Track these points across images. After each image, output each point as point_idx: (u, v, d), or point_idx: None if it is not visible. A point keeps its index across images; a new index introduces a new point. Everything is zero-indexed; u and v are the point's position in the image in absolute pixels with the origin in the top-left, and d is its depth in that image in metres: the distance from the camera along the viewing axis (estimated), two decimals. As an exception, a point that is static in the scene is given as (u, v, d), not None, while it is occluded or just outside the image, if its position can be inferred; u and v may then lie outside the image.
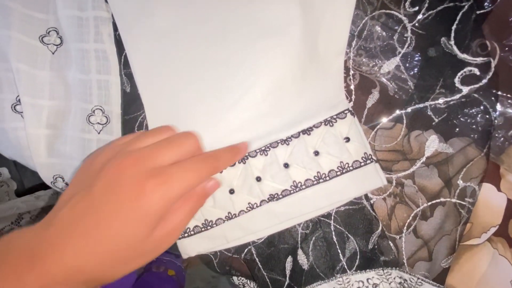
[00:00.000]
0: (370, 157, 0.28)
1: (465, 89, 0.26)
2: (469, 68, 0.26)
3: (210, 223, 0.29)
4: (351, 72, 0.31)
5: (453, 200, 0.28)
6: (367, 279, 0.27)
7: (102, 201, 0.21)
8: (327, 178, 0.28)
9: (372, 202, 0.31)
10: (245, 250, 0.31)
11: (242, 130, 0.30)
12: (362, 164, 0.28)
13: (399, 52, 0.29)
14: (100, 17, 0.30)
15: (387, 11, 0.29)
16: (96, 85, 0.30)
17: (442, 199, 0.28)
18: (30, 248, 0.20)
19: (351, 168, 0.28)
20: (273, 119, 0.30)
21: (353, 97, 0.31)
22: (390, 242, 0.30)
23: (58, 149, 0.31)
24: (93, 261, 0.20)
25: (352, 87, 0.31)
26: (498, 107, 0.26)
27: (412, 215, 0.30)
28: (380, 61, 0.30)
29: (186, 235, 0.29)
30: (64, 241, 0.20)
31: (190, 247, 0.29)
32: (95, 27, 0.30)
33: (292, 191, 0.29)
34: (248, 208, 0.29)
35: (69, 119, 0.31)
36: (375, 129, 0.30)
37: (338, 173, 0.28)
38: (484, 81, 0.26)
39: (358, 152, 0.28)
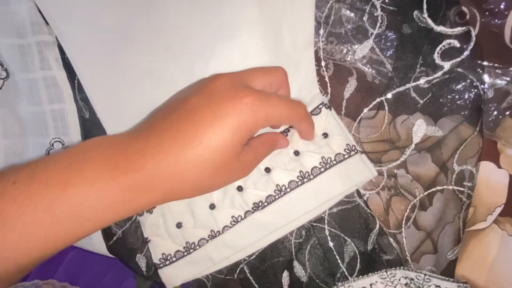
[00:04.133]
0: (353, 148, 0.26)
1: (447, 65, 0.23)
2: (448, 41, 0.24)
3: (193, 245, 0.27)
4: (323, 62, 0.28)
5: (451, 187, 0.25)
6: (371, 285, 0.25)
7: (199, 109, 0.21)
8: (311, 176, 0.26)
9: (365, 199, 0.28)
10: (238, 270, 0.28)
11: None
12: (346, 156, 0.26)
13: (372, 34, 0.27)
14: (43, 41, 0.28)
15: (352, -10, 0.27)
16: (50, 116, 0.28)
17: (439, 187, 0.26)
18: (131, 145, 0.20)
19: (334, 162, 0.26)
20: None
21: (329, 89, 0.29)
22: (390, 239, 0.28)
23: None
24: (187, 167, 0.20)
25: (326, 78, 0.29)
26: (486, 78, 0.24)
27: (410, 206, 0.27)
28: (353, 46, 0.28)
29: (167, 262, 0.27)
30: (164, 144, 0.20)
31: (174, 276, 0.27)
32: (39, 53, 0.28)
33: (277, 196, 0.26)
34: (233, 223, 0.27)
35: (27, 157, 0.28)
36: (358, 120, 0.28)
37: (322, 169, 0.26)
38: (466, 53, 0.23)
39: (339, 145, 0.26)
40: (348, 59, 0.28)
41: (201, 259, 0.26)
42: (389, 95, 0.26)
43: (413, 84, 0.25)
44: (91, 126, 0.29)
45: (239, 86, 0.21)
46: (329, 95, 0.29)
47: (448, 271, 0.28)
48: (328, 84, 0.29)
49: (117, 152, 0.20)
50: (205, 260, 0.26)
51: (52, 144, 0.28)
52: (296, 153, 0.27)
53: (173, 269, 0.26)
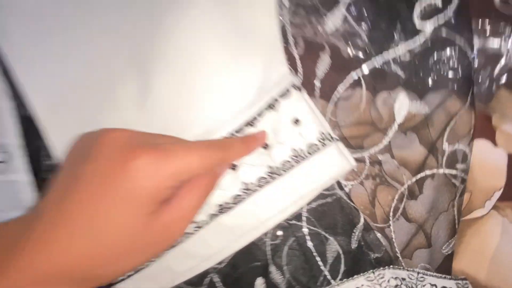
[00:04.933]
0: (328, 136, 0.22)
1: (428, 28, 0.20)
2: (429, 0, 0.20)
3: (151, 256, 0.23)
4: (291, 38, 0.25)
5: (442, 171, 0.22)
6: (356, 289, 0.22)
7: (88, 185, 0.17)
8: (282, 171, 0.22)
9: (347, 191, 0.25)
10: (205, 281, 0.25)
11: (180, 132, 0.24)
12: (320, 146, 0.22)
13: (344, 1, 0.23)
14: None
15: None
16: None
17: (428, 172, 0.22)
18: (17, 241, 0.17)
19: (307, 154, 0.22)
20: (211, 117, 0.24)
21: (299, 68, 0.25)
22: (378, 234, 0.24)
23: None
24: (84, 258, 0.17)
25: (296, 56, 0.25)
26: (475, 41, 0.20)
27: (397, 196, 0.24)
28: (323, 17, 0.24)
29: (120, 279, 0.23)
30: (51, 236, 0.17)
31: (129, 293, 0.23)
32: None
33: (244, 195, 0.23)
34: (196, 229, 0.23)
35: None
36: (334, 101, 0.25)
37: (293, 163, 0.22)
38: (449, 12, 0.20)
39: (312, 133, 0.22)
40: (319, 33, 0.25)
41: (161, 272, 0.23)
42: (365, 70, 0.23)
43: (392, 55, 0.22)
44: (31, 125, 0.26)
45: (131, 145, 0.18)
46: (301, 75, 0.25)
47: (445, 267, 0.24)
48: (299, 63, 0.25)
49: (12, 243, 0.17)
50: (165, 272, 0.23)
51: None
52: (265, 146, 0.23)
53: (128, 286, 0.23)
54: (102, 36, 0.24)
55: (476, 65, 0.21)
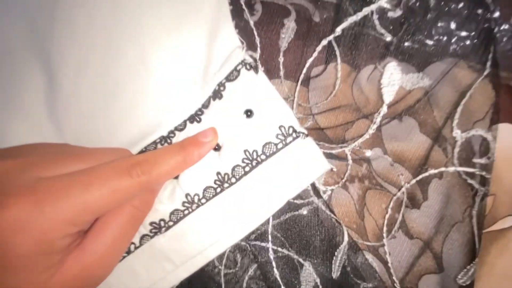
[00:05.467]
0: (290, 131, 0.16)
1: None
2: None
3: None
4: (243, 0, 0.19)
5: (453, 169, 0.16)
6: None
7: None
8: (233, 179, 0.17)
9: (326, 198, 0.19)
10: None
11: (106, 139, 0.18)
12: (280, 145, 0.16)
13: None
14: None
15: None
16: None
17: (433, 170, 0.16)
18: None
19: (262, 157, 0.16)
20: (145, 115, 0.18)
21: (257, 39, 0.19)
22: (369, 256, 0.18)
23: None
24: None
25: (251, 24, 0.19)
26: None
27: (392, 204, 0.18)
28: (283, -29, 0.18)
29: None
30: None
31: None
32: None
33: (185, 210, 0.17)
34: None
35: None
36: (302, 80, 0.19)
37: (246, 168, 0.16)
38: None
39: (269, 128, 0.17)
40: (281, -8, 0.19)
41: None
42: (338, 32, 0.16)
43: (372, 6, 0.15)
44: None
45: (8, 187, 0.14)
46: (258, 49, 0.19)
47: (463, 296, 0.18)
48: (255, 32, 0.19)
49: None
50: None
51: None
52: (217, 147, 0.18)
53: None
54: None
55: (497, 16, 0.14)
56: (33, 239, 0.13)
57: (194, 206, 0.18)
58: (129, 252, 0.18)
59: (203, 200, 0.18)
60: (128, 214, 0.16)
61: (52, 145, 0.18)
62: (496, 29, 0.15)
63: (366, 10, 0.16)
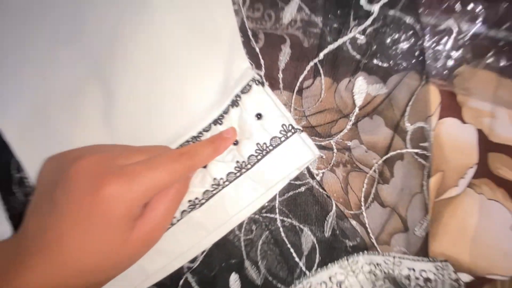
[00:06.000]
0: (290, 128, 0.22)
1: (375, 8, 0.20)
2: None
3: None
4: (250, 33, 0.25)
5: (409, 150, 0.22)
6: (330, 278, 0.21)
7: (63, 209, 0.19)
8: (249, 165, 0.22)
9: (319, 179, 0.25)
10: (181, 282, 0.24)
11: (149, 139, 0.24)
12: (283, 138, 0.22)
13: (297, -8, 0.24)
14: None
15: None
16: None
17: (392, 152, 0.22)
18: (9, 262, 0.18)
19: (270, 148, 0.22)
20: (179, 120, 0.24)
21: (261, 61, 0.25)
22: (352, 221, 0.24)
23: None
24: (64, 280, 0.18)
25: (257, 50, 0.25)
26: (424, 19, 0.20)
27: (367, 180, 0.24)
28: (279, 9, 0.25)
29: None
30: (30, 259, 0.18)
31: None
32: None
33: (214, 190, 0.23)
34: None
35: None
36: (296, 90, 0.25)
37: (258, 157, 0.22)
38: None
39: (275, 126, 0.22)
40: (278, 25, 0.25)
41: (132, 271, 0.22)
42: (321, 56, 0.23)
43: (345, 38, 0.22)
44: None
45: (99, 173, 0.19)
46: (263, 69, 0.25)
47: (425, 250, 0.24)
48: (260, 56, 0.25)
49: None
50: (137, 271, 0.23)
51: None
52: (236, 142, 0.24)
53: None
54: (57, 48, 0.25)
55: (426, 41, 0.21)
56: (124, 206, 0.18)
57: (220, 187, 0.23)
58: (172, 224, 0.23)
59: (227, 183, 0.23)
60: (173, 194, 0.21)
61: (110, 146, 0.24)
62: (430, 51, 0.21)
63: (340, 40, 0.22)
